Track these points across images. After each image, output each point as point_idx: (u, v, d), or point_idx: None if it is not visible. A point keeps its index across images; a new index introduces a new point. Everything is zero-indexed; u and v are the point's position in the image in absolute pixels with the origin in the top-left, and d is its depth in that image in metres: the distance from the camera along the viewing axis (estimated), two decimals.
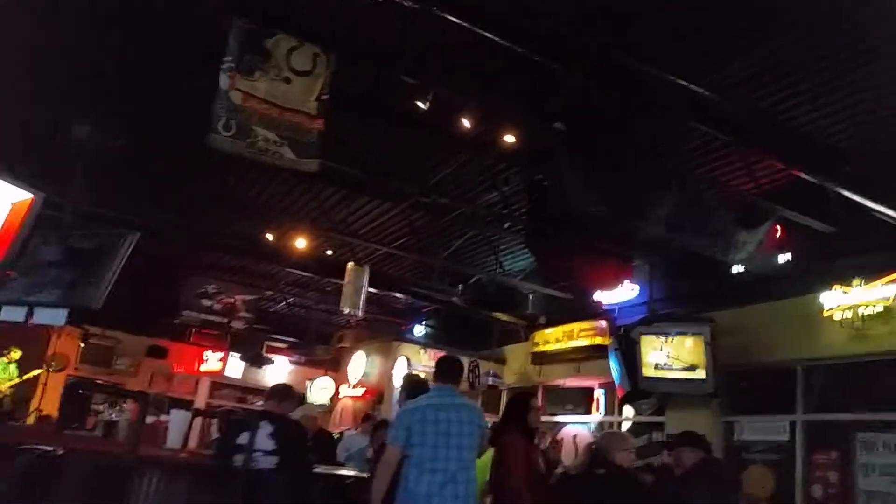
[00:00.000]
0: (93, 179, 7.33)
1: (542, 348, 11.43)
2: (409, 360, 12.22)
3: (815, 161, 6.43)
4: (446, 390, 4.21)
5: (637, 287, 10.15)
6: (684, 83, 5.63)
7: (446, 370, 4.36)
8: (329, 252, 11.79)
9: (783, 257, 8.23)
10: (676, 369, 8.43)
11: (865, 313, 7.01)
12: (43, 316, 6.69)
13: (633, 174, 7.07)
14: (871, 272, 7.05)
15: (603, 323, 10.32)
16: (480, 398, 11.47)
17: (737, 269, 8.15)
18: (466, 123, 6.75)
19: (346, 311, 10.44)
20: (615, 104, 6.38)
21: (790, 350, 7.80)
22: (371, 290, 10.77)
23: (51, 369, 11.87)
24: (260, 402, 14.15)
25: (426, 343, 13.56)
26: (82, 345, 13.99)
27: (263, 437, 4.32)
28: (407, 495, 3.84)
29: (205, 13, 5.62)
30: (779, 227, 7.92)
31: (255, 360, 15.18)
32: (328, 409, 13.90)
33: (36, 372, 11.45)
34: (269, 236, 10.89)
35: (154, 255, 11.18)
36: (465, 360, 6.35)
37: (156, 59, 6.50)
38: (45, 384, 11.27)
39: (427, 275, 11.40)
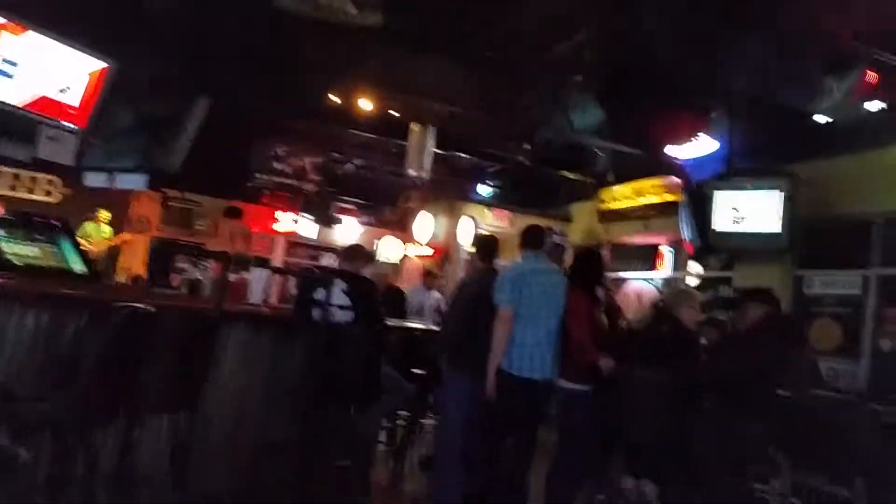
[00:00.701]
0: (162, 46, 7.33)
1: (609, 206, 11.30)
2: (474, 219, 12.30)
3: None
4: (541, 257, 4.64)
5: (714, 141, 9.73)
6: None
7: (534, 239, 4.73)
8: (394, 112, 11.67)
9: (874, 105, 7.67)
10: (749, 224, 8.24)
11: None
12: (124, 181, 7.02)
13: (715, 17, 6.56)
14: None
15: (675, 179, 10.05)
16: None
17: (822, 119, 7.68)
18: None
19: (412, 172, 10.47)
20: None
21: (870, 203, 7.48)
22: (436, 150, 10.71)
23: (135, 231, 12.52)
24: (329, 262, 14.77)
25: (492, 202, 13.58)
26: (162, 208, 14.62)
27: (338, 294, 4.53)
28: (514, 349, 4.34)
29: None
30: (872, 73, 7.34)
31: (326, 220, 15.60)
32: (397, 267, 14.34)
33: (126, 235, 12.13)
34: (334, 97, 10.81)
35: (225, 120, 11.34)
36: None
37: None
38: (131, 245, 11.93)
39: (494, 133, 11.20)
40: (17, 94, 6.35)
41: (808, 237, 8.28)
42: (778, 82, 6.81)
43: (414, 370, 5.44)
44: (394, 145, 12.91)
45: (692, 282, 10.21)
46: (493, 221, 12.66)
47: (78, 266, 4.15)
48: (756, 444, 3.84)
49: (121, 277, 11.13)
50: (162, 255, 4.94)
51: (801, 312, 8.15)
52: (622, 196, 11.02)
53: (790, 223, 7.88)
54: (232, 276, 5.08)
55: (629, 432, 4.13)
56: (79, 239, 11.60)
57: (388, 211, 15.68)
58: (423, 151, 10.35)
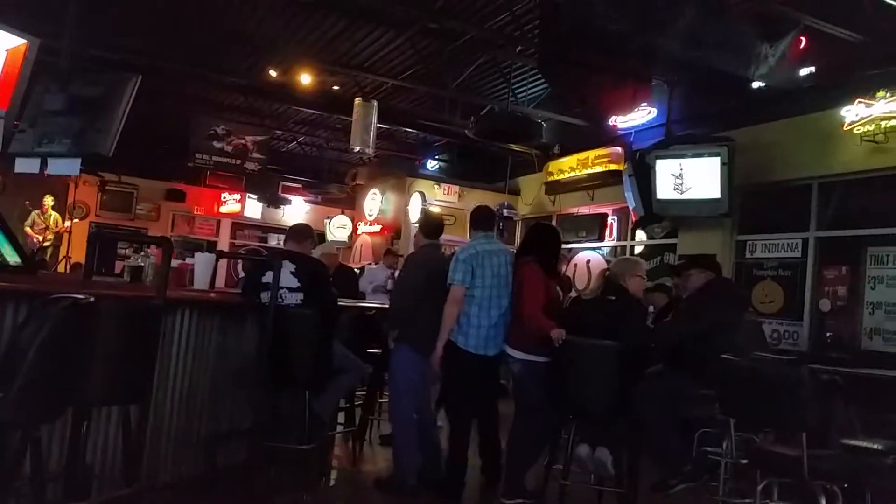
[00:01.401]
0: (89, 21, 7.02)
1: (556, 178, 11.42)
2: (423, 195, 12.28)
3: None
4: (490, 237, 4.75)
5: (654, 109, 9.89)
6: None
7: (485, 219, 4.83)
8: (336, 87, 11.50)
9: (806, 70, 7.90)
10: (691, 191, 8.42)
11: (886, 126, 6.85)
12: (57, 166, 6.70)
13: None
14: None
15: (618, 149, 10.20)
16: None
17: (757, 85, 7.87)
18: None
19: (357, 148, 10.36)
20: None
21: (807, 167, 7.73)
22: (381, 125, 10.60)
23: (74, 218, 12.11)
24: (277, 242, 14.56)
25: (440, 177, 13.58)
26: (101, 193, 14.18)
27: (287, 276, 4.46)
28: (471, 329, 4.50)
29: None
30: (803, 39, 7.54)
31: (272, 200, 15.37)
32: (347, 245, 14.24)
33: (67, 224, 11.73)
34: (273, 72, 10.58)
35: (160, 98, 10.99)
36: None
37: None
38: (70, 232, 11.56)
39: (438, 107, 11.15)
40: None
41: (749, 202, 8.53)
42: (714, 49, 6.93)
43: (370, 350, 5.43)
44: (338, 121, 12.76)
45: (638, 249, 10.43)
46: (442, 196, 12.66)
47: (12, 257, 3.98)
48: (702, 406, 3.97)
49: (62, 266, 10.80)
50: (101, 243, 4.76)
51: (744, 276, 8.41)
52: (568, 167, 11.14)
53: (729, 189, 8.08)
54: (175, 262, 4.94)
55: (581, 400, 4.21)
56: (25, 228, 11.21)
57: (336, 189, 15.52)
58: (367, 126, 10.23)
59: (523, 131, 10.16)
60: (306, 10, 8.90)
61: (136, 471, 3.46)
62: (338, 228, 14.97)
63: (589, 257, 10.32)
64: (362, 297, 8.18)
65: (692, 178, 8.38)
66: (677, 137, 8.92)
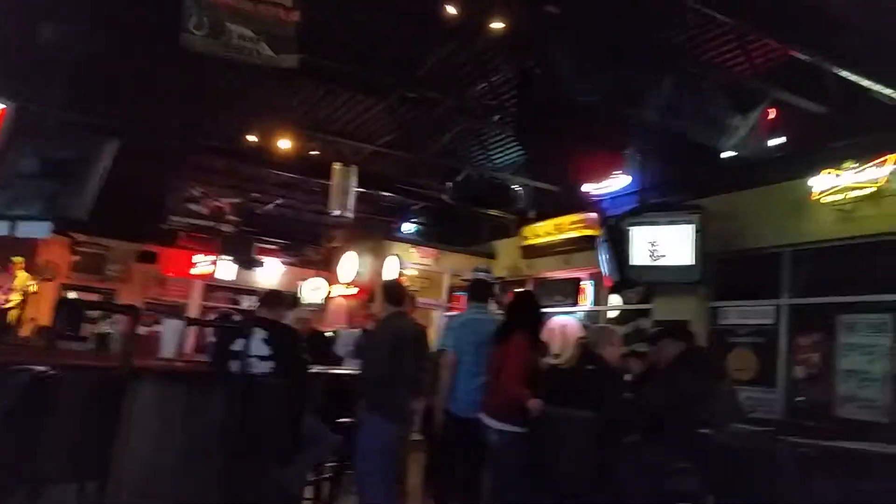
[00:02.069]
0: (67, 86, 7.05)
1: (531, 242, 11.48)
2: (399, 257, 12.25)
3: (813, 37, 6.18)
4: (481, 307, 5.19)
5: (627, 177, 10.07)
6: None
7: (480, 291, 5.30)
8: (315, 152, 11.57)
9: (775, 141, 8.12)
10: (664, 258, 8.50)
11: (854, 196, 7.01)
12: (26, 229, 6.61)
13: (627, 60, 6.82)
14: (863, 153, 6.98)
15: (592, 215, 10.31)
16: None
17: (728, 154, 8.06)
18: (452, 9, 6.43)
19: (336, 212, 10.37)
20: None
21: (778, 236, 7.84)
22: (359, 189, 10.64)
23: (41, 279, 11.87)
24: (250, 304, 14.34)
25: (416, 240, 13.58)
26: (72, 254, 13.95)
27: (258, 343, 4.37)
28: (460, 393, 4.79)
29: None
30: (772, 111, 7.77)
31: (247, 262, 15.22)
32: (321, 308, 14.08)
33: (33, 284, 11.46)
34: (252, 137, 10.64)
35: (136, 161, 10.95)
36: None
37: None
38: (38, 294, 11.29)
39: (415, 172, 11.25)
40: None
41: (722, 269, 8.59)
42: (686, 120, 7.12)
43: (340, 419, 5.29)
44: (315, 184, 12.79)
45: (613, 314, 10.43)
46: (418, 259, 12.64)
47: None
48: (681, 480, 3.89)
49: (26, 330, 10.50)
50: (67, 310, 4.66)
51: (717, 343, 8.40)
52: (543, 232, 11.22)
53: (702, 257, 8.17)
54: (143, 329, 4.83)
55: (558, 471, 4.11)
56: None
57: (312, 251, 15.44)
58: (345, 191, 10.27)
59: (499, 196, 10.28)
60: (286, 77, 9.02)
61: None
62: (312, 291, 14.80)
63: (564, 322, 10.26)
64: (337, 361, 8.03)
65: (666, 245, 8.47)
66: (650, 205, 9.06)
